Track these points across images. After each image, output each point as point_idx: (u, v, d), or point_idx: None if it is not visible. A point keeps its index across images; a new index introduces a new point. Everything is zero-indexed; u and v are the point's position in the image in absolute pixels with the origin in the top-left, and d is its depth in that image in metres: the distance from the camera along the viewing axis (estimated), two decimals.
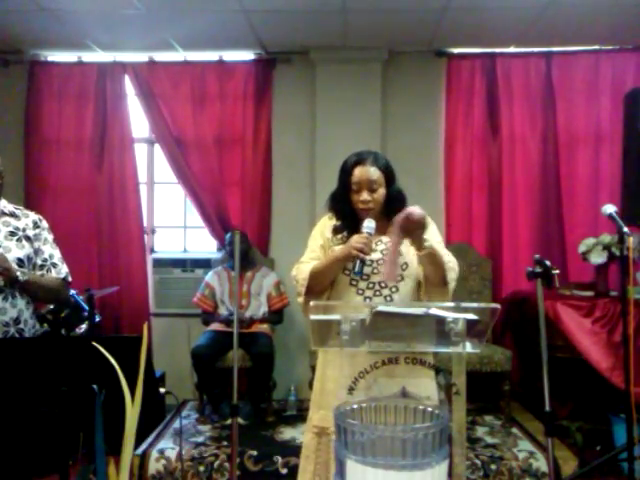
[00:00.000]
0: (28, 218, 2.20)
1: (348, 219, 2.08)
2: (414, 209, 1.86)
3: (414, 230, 1.86)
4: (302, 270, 2.05)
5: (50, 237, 2.24)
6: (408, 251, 2.04)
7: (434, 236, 2.10)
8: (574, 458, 3.20)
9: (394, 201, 2.06)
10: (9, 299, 2.06)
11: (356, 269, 1.91)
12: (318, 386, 2.11)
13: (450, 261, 1.99)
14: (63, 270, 2.23)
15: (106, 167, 4.47)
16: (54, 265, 2.20)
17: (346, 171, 2.06)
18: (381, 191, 2.04)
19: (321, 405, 2.06)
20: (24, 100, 4.48)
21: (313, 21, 3.84)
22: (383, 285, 2.00)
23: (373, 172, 2.03)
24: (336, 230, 2.12)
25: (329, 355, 2.07)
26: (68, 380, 1.48)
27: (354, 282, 2.02)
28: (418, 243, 1.90)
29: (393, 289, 2.01)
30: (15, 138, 4.50)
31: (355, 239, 1.92)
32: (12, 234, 2.11)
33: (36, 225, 2.20)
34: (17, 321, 2.08)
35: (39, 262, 2.17)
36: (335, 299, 2.05)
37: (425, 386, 1.85)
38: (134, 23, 3.85)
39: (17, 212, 2.20)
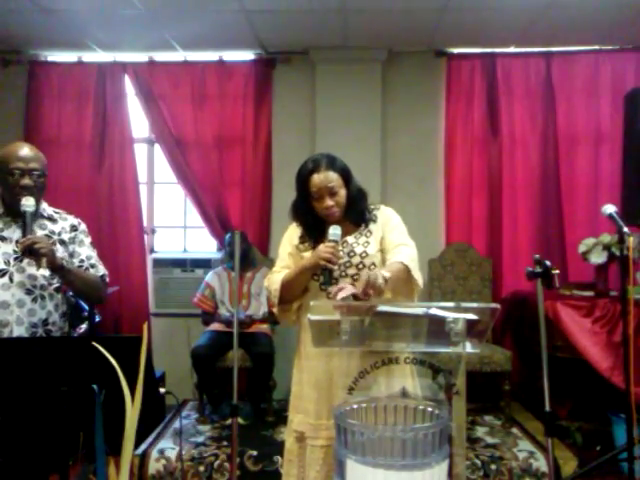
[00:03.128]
0: (66, 222, 2.22)
1: (312, 227, 2.07)
2: (371, 282, 1.76)
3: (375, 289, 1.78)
4: (273, 281, 2.05)
5: (87, 239, 2.27)
6: (375, 251, 2.03)
7: (391, 220, 2.09)
8: (574, 458, 3.20)
9: (355, 200, 2.06)
10: (38, 301, 2.06)
11: (325, 280, 1.91)
12: (296, 390, 2.10)
13: (412, 260, 1.95)
14: (101, 270, 2.25)
15: (106, 167, 4.47)
16: (92, 266, 2.21)
17: (303, 180, 2.02)
18: (342, 193, 2.02)
19: (298, 409, 2.07)
20: (24, 100, 4.48)
21: (313, 21, 3.84)
22: None
23: (331, 176, 1.99)
24: (302, 238, 2.11)
25: (303, 360, 2.07)
26: (68, 380, 1.48)
27: (324, 287, 1.99)
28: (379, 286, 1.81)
29: None
30: (15, 138, 4.48)
31: (322, 249, 1.90)
32: (47, 238, 2.11)
33: (73, 228, 2.22)
34: (45, 322, 2.08)
35: (76, 263, 2.18)
36: (307, 304, 2.03)
37: (424, 386, 1.85)
38: (134, 23, 3.85)
39: (55, 216, 2.22)
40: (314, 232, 2.07)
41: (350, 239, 2.05)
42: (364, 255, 2.01)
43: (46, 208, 2.23)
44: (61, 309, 2.17)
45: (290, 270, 2.05)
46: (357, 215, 2.08)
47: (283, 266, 2.10)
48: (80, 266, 2.18)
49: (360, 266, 2.00)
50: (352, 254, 2.01)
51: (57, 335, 2.13)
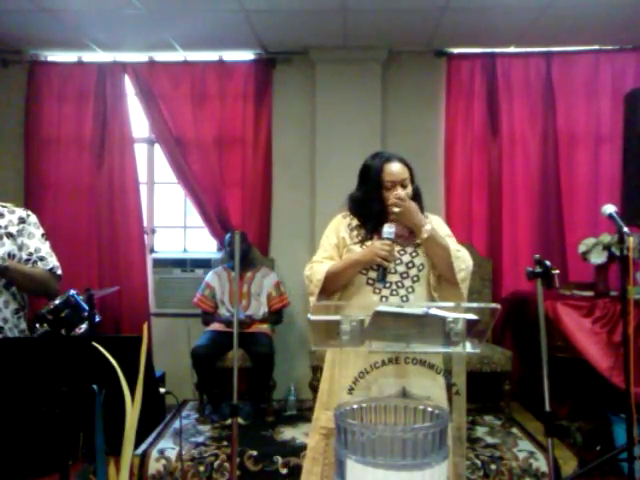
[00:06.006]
0: (14, 214, 2.17)
1: (374, 219, 2.07)
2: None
3: (405, 212, 1.94)
4: (317, 270, 2.05)
5: (38, 232, 2.21)
6: (424, 252, 2.05)
7: (441, 229, 2.12)
8: (574, 458, 3.20)
9: (416, 198, 2.10)
10: None
11: (380, 278, 1.95)
12: (326, 386, 2.09)
13: (459, 250, 2.02)
14: (50, 263, 2.18)
15: (106, 167, 4.47)
16: (41, 258, 2.16)
17: (377, 169, 2.06)
18: (410, 188, 2.07)
19: (329, 406, 2.03)
20: (24, 100, 4.48)
21: (313, 21, 3.84)
22: (400, 285, 2.02)
23: (403, 168, 2.07)
24: (353, 231, 2.11)
25: (338, 355, 2.05)
26: (68, 380, 1.48)
27: (371, 281, 2.02)
28: (416, 226, 1.97)
29: (409, 289, 2.02)
30: (15, 138, 4.50)
31: (379, 246, 1.93)
32: None
33: (21, 221, 2.17)
34: None
35: (24, 257, 2.14)
36: (349, 298, 2.05)
37: (425, 386, 1.85)
38: (134, 23, 3.85)
39: (2, 210, 2.17)
40: (372, 225, 2.07)
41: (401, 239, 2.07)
42: (414, 254, 2.04)
43: None
44: (12, 306, 2.11)
45: (338, 262, 2.05)
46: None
47: (325, 257, 2.10)
48: (28, 259, 2.14)
49: (410, 265, 2.03)
50: (402, 252, 2.04)
51: (10, 334, 2.08)
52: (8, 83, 4.53)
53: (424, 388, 1.83)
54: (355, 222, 2.13)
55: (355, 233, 2.10)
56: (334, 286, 2.04)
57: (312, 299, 2.07)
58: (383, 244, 1.93)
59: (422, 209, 2.12)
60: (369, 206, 2.08)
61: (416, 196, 2.10)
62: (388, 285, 2.00)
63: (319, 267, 2.05)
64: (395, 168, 2.05)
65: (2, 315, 2.08)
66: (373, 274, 2.00)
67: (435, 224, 2.12)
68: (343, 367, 2.01)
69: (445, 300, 2.02)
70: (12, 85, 4.53)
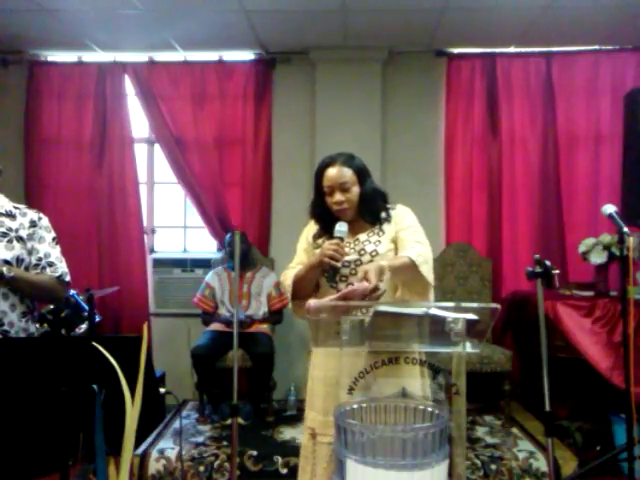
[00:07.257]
0: (25, 217, 2.15)
1: (326, 223, 2.07)
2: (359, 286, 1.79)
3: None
4: (288, 276, 2.08)
5: (49, 236, 2.19)
6: (385, 250, 2.03)
7: (406, 220, 2.08)
8: (574, 458, 3.20)
9: (368, 199, 2.06)
10: None
11: (329, 278, 1.95)
12: (309, 386, 2.13)
13: (420, 255, 1.92)
14: (59, 269, 2.16)
15: (106, 167, 4.47)
16: (50, 264, 2.14)
17: (318, 175, 2.06)
18: (354, 190, 2.03)
19: (311, 406, 2.09)
20: (24, 100, 4.48)
21: (313, 21, 3.84)
22: None
23: (344, 172, 2.02)
24: (317, 235, 2.12)
25: (314, 357, 2.09)
26: (68, 380, 1.48)
27: (334, 284, 2.02)
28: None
29: None
30: (15, 138, 4.50)
31: (326, 246, 1.91)
32: (4, 235, 2.06)
33: (33, 224, 2.15)
34: (0, 323, 2.03)
35: (34, 261, 2.12)
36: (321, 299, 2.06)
37: (415, 386, 1.85)
38: (134, 23, 3.85)
39: (14, 211, 2.15)
40: (328, 228, 2.07)
41: (362, 237, 2.05)
42: (374, 254, 2.01)
43: (5, 204, 2.14)
44: (19, 309, 2.09)
45: (301, 267, 2.06)
46: (370, 214, 2.07)
47: (298, 262, 2.12)
48: (37, 264, 2.12)
49: (358, 262, 2.00)
50: (363, 252, 2.02)
51: (16, 336, 2.05)
52: (8, 83, 4.54)
53: (421, 388, 1.84)
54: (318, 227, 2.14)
55: (320, 237, 2.11)
56: (303, 290, 2.04)
57: (290, 305, 2.10)
58: (330, 243, 1.91)
59: (378, 210, 2.07)
60: (318, 210, 2.10)
61: (368, 199, 2.05)
62: (345, 286, 1.98)
63: (290, 273, 2.08)
64: (332, 172, 2.01)
65: (8, 319, 2.06)
66: (329, 283, 2.01)
67: (400, 216, 2.08)
68: (319, 369, 2.04)
69: (413, 290, 1.97)
70: (12, 85, 4.53)
